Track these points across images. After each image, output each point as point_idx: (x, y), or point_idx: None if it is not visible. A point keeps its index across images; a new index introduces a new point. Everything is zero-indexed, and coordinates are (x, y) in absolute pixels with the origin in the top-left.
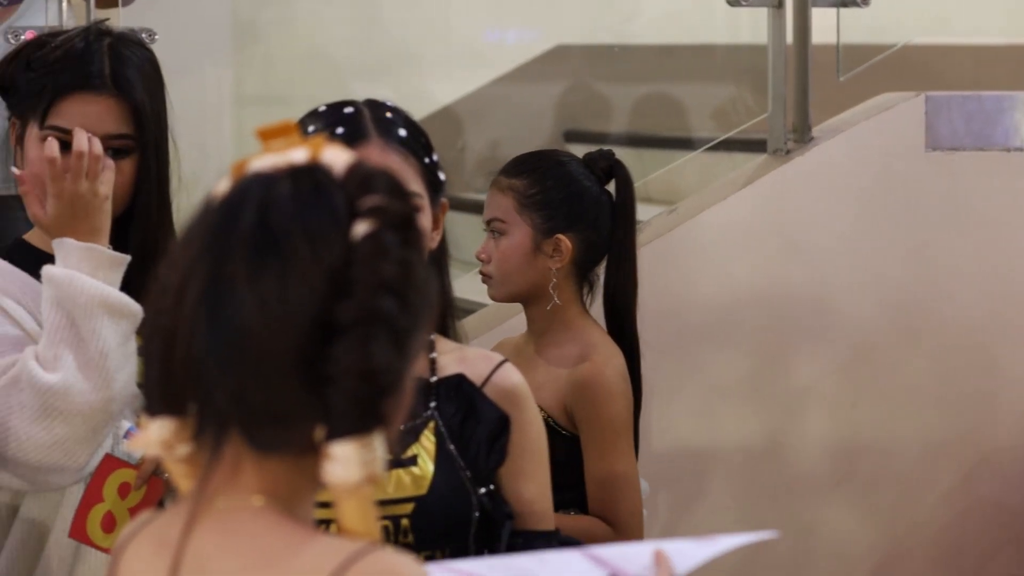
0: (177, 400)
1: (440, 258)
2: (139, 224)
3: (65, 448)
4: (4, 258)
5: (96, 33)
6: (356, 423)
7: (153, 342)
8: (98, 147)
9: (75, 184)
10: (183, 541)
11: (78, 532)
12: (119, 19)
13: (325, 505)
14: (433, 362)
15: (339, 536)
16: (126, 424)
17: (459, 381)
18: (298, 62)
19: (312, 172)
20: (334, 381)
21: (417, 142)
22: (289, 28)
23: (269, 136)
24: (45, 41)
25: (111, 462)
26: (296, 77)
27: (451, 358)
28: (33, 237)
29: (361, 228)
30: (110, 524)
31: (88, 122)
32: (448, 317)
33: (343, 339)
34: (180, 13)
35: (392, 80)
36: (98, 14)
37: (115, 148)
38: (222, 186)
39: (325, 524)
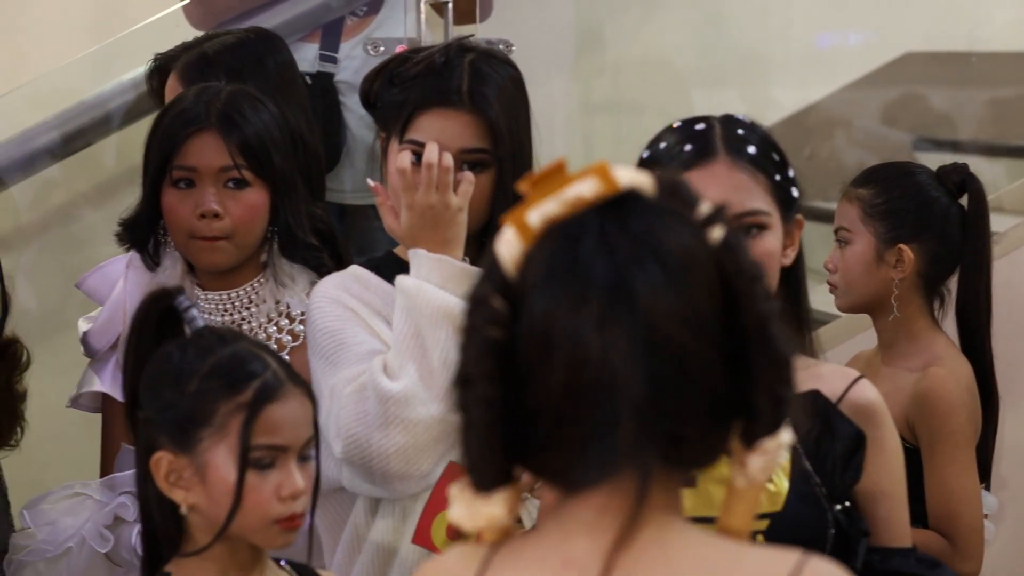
0: (509, 468)
1: (797, 273)
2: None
3: (406, 456)
4: (373, 270)
5: (458, 49)
6: (778, 417)
7: (479, 413)
8: (448, 160)
9: (426, 195)
10: (608, 567)
11: (422, 538)
12: (476, 33)
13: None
14: None
15: (766, 546)
16: None
17: (814, 397)
18: (643, 69)
19: (638, 197)
20: (756, 382)
21: (768, 159)
22: (632, 35)
23: (539, 181)
24: (408, 56)
25: (456, 470)
26: (641, 84)
27: (807, 374)
28: (401, 250)
29: (716, 234)
30: (456, 532)
31: (444, 136)
32: (805, 332)
33: (754, 340)
34: (528, 24)
35: (738, 87)
36: (455, 28)
37: (471, 162)
38: (512, 245)
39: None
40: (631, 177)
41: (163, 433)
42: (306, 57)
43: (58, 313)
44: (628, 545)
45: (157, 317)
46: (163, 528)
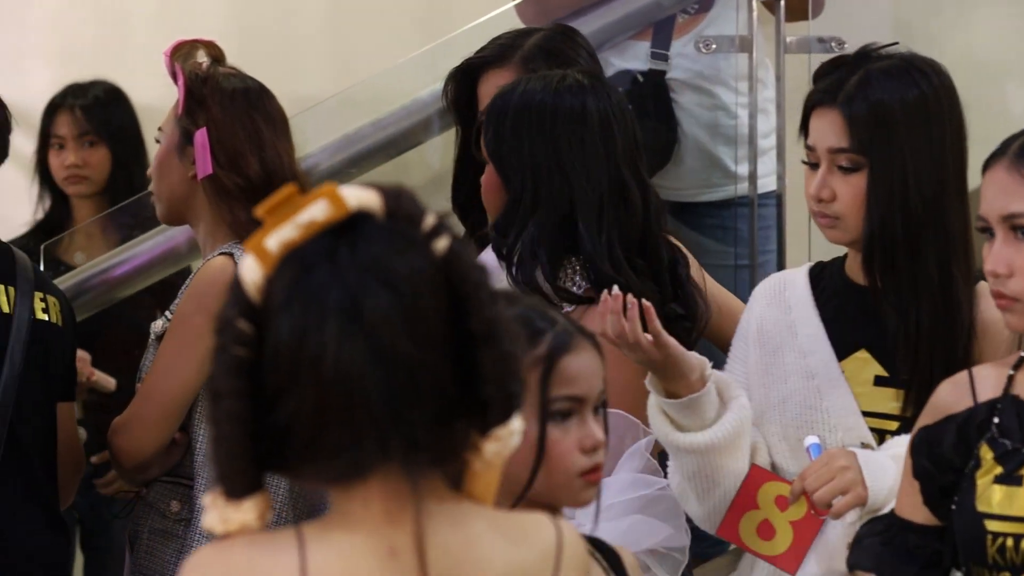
0: (258, 477)
1: None
2: (877, 238)
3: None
4: (819, 273)
5: (862, 53)
6: (509, 408)
7: (228, 427)
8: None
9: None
10: (421, 547)
11: (727, 531)
12: (808, 30)
13: None
14: None
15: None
16: (810, 439)
17: None
18: (964, 66)
19: (367, 218)
20: (486, 379)
21: None
22: (952, 32)
23: (273, 209)
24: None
25: (758, 474)
26: (963, 82)
27: None
28: (851, 267)
29: (441, 245)
30: (767, 532)
31: (818, 135)
32: None
33: (482, 342)
34: (857, 21)
35: None
36: (787, 25)
37: (840, 163)
38: (253, 271)
39: None
40: (359, 198)
41: None
42: (637, 55)
43: None
44: (436, 528)
45: None
46: None
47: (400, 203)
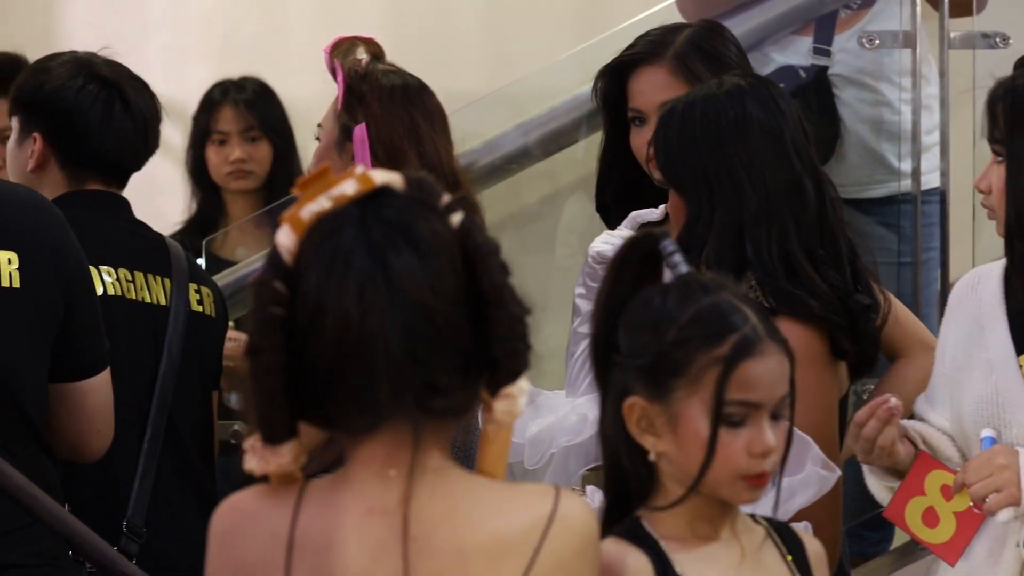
0: (294, 425)
1: None
2: (1014, 231)
3: None
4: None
5: None
6: (516, 367)
7: (265, 379)
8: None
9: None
10: (406, 509)
11: (893, 514)
12: (973, 25)
13: None
14: None
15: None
16: (986, 432)
17: None
18: None
19: (391, 191)
20: (495, 338)
21: None
22: None
23: (307, 184)
24: None
25: (926, 461)
26: None
27: None
28: None
29: (456, 218)
30: (931, 520)
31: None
32: None
33: (492, 303)
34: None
35: None
36: (951, 21)
37: (995, 152)
38: (288, 237)
39: None
40: (384, 176)
41: (637, 379)
42: (799, 50)
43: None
44: (418, 493)
45: (639, 261)
46: (634, 473)
47: (420, 183)
